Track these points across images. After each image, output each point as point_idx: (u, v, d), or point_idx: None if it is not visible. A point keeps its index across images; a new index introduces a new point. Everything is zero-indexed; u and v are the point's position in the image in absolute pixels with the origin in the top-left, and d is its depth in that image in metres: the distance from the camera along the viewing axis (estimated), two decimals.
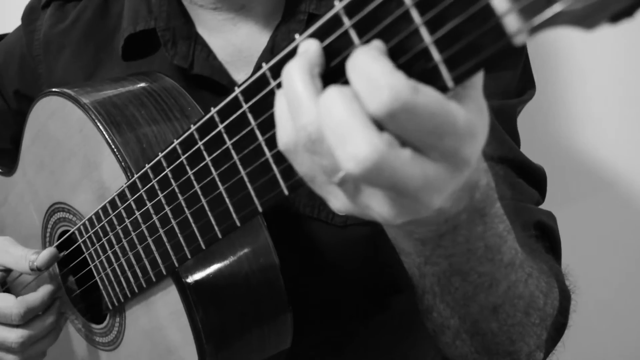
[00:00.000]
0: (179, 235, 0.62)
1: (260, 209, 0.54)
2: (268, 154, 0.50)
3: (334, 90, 0.39)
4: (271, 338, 0.75)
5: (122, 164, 0.69)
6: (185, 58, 0.83)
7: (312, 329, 0.77)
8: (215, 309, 0.69)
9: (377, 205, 0.41)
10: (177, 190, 0.60)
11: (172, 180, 0.61)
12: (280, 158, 0.50)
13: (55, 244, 0.85)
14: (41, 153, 0.81)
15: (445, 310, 0.60)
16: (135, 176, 0.65)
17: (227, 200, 0.56)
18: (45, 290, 0.78)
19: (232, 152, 0.53)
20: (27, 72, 0.96)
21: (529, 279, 0.58)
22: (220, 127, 0.53)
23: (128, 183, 0.66)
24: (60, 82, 0.90)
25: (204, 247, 0.61)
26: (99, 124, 0.70)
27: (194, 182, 0.58)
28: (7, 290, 0.95)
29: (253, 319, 0.72)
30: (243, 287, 0.71)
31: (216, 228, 0.58)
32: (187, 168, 0.58)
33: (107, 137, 0.70)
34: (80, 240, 0.76)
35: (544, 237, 0.74)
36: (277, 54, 0.47)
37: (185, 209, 0.60)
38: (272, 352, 0.76)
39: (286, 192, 0.51)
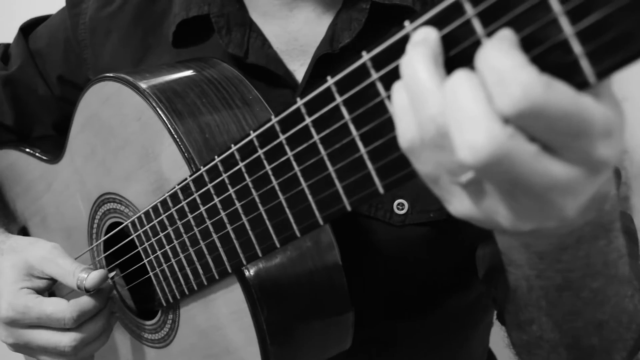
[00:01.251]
0: (250, 232, 0.59)
1: (348, 208, 0.50)
2: (363, 150, 0.47)
3: (462, 74, 0.36)
4: (333, 338, 0.72)
5: (185, 154, 0.65)
6: (240, 46, 0.79)
7: (364, 327, 0.74)
8: (280, 309, 0.66)
9: (503, 209, 0.37)
10: (251, 185, 0.57)
11: (246, 175, 0.57)
12: (376, 155, 0.46)
13: (103, 238, 0.81)
14: (92, 141, 0.77)
15: (546, 324, 0.56)
16: (203, 169, 0.61)
17: (309, 197, 0.52)
18: (98, 293, 0.75)
19: (320, 147, 0.49)
20: (72, 57, 0.92)
21: (635, 293, 0.55)
22: (308, 120, 0.49)
23: (194, 176, 0.62)
24: (108, 68, 0.86)
25: (278, 245, 0.57)
26: (159, 111, 0.66)
27: (272, 178, 0.55)
28: (51, 292, 0.92)
29: (316, 319, 0.69)
30: (307, 285, 0.68)
31: (295, 227, 0.55)
32: (265, 162, 0.55)
33: (168, 125, 0.66)
34: (134, 234, 0.73)
35: (631, 243, 0.70)
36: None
37: (260, 206, 0.57)
38: (332, 353, 0.73)
39: (382, 190, 0.47)
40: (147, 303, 0.79)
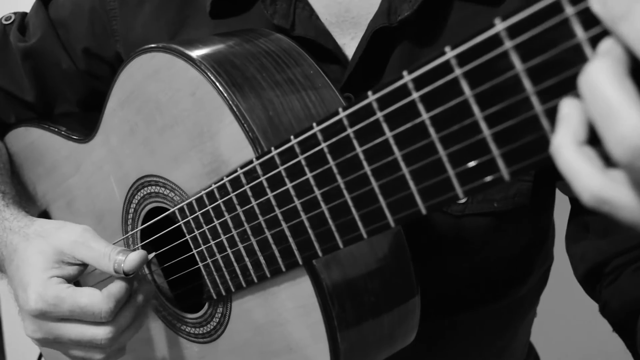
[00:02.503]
0: (331, 222, 0.53)
1: (424, 212, 0.47)
2: (442, 152, 0.43)
3: None
4: (401, 331, 0.67)
5: (249, 134, 0.59)
6: (285, 17, 0.73)
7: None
8: (351, 303, 0.60)
9: None
10: (335, 170, 0.51)
11: (330, 157, 0.51)
12: (457, 159, 0.44)
13: (142, 226, 0.75)
14: (132, 118, 0.71)
15: None
16: (275, 150, 0.55)
17: (411, 184, 0.47)
18: (129, 279, 0.68)
19: (394, 147, 0.45)
20: (99, 28, 0.85)
21: None
22: (379, 114, 0.45)
23: (264, 157, 0.56)
24: (140, 40, 0.79)
25: (365, 236, 0.51)
26: (219, 85, 0.60)
27: (364, 163, 0.49)
28: (77, 283, 0.86)
29: (386, 311, 0.64)
30: (377, 277, 0.63)
31: (389, 216, 0.49)
32: (355, 143, 0.49)
33: (229, 101, 0.60)
34: (182, 221, 0.67)
35: None
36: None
37: (345, 192, 0.51)
38: (399, 347, 0.67)
39: (461, 196, 0.44)
40: (191, 295, 0.73)
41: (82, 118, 0.89)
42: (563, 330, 1.43)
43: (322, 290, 0.59)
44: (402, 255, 0.65)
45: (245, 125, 0.59)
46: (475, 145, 0.42)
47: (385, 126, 0.46)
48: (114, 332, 0.67)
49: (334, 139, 0.50)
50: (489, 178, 0.42)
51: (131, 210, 0.76)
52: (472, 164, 0.42)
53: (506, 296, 0.85)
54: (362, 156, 0.49)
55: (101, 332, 0.67)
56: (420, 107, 0.44)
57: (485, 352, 0.90)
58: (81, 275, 0.71)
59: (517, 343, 0.96)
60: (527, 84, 0.38)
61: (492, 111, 0.40)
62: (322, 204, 0.53)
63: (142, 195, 0.74)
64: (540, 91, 0.38)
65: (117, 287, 0.67)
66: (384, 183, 0.48)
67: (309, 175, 0.53)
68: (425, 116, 0.44)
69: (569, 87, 0.36)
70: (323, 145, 0.51)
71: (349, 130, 0.49)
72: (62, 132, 0.84)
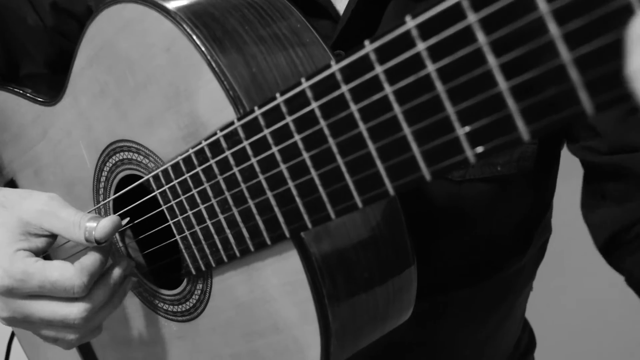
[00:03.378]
0: (322, 190, 0.48)
1: (428, 178, 0.41)
2: (450, 109, 0.37)
3: None
4: (395, 310, 0.62)
5: (230, 92, 0.53)
6: None
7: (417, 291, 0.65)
8: (344, 279, 0.55)
9: None
10: (327, 131, 0.45)
11: (320, 117, 0.45)
12: (469, 117, 0.38)
13: (114, 195, 0.69)
14: (103, 77, 0.64)
15: None
16: (259, 110, 0.49)
17: (413, 146, 0.41)
18: (100, 251, 0.62)
19: (395, 105, 0.39)
20: None
21: None
22: (378, 68, 0.38)
23: (246, 119, 0.50)
24: None
25: (361, 205, 0.46)
26: (196, 39, 0.54)
27: (360, 123, 0.43)
28: (47, 258, 0.80)
29: (380, 287, 0.59)
30: (371, 251, 0.57)
31: (387, 182, 0.44)
32: (350, 101, 0.43)
33: (208, 56, 0.53)
34: (157, 190, 0.61)
35: None
36: None
37: (338, 157, 0.45)
38: (394, 326, 0.63)
39: (472, 160, 0.39)
40: (169, 270, 0.68)
41: (49, 80, 0.82)
42: (557, 305, 1.39)
43: (311, 266, 0.53)
44: (398, 227, 0.59)
45: (225, 83, 0.53)
46: (489, 101, 0.36)
47: (384, 80, 0.41)
48: (88, 310, 0.61)
49: (325, 97, 0.44)
50: (505, 139, 0.37)
51: (102, 179, 0.70)
52: (484, 121, 0.37)
53: (504, 269, 0.81)
54: (357, 115, 0.43)
55: (74, 310, 0.61)
56: (426, 57, 0.38)
57: (481, 328, 0.86)
58: (50, 247, 0.65)
59: (513, 318, 0.92)
60: (552, 27, 0.33)
61: (509, 59, 0.35)
62: (311, 169, 0.48)
63: (114, 162, 0.67)
64: (567, 34, 0.32)
65: (90, 260, 0.61)
66: (382, 145, 0.43)
67: (296, 137, 0.47)
68: (431, 68, 0.38)
69: (602, 29, 0.31)
70: (313, 104, 0.45)
71: (344, 87, 0.43)
72: (28, 95, 0.77)
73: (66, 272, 0.60)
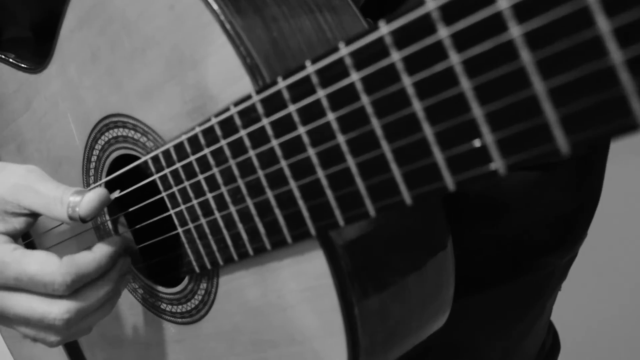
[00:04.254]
0: (360, 182, 0.39)
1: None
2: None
3: None
4: (430, 319, 0.54)
5: (247, 60, 0.44)
6: None
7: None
8: (376, 285, 0.47)
9: None
10: (370, 110, 0.36)
11: (363, 94, 0.36)
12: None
13: (108, 177, 0.60)
14: (94, 41, 0.55)
15: None
16: (283, 82, 0.40)
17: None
18: (104, 250, 0.53)
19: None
20: None
21: None
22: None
23: (267, 92, 0.41)
24: None
25: (409, 202, 0.37)
26: None
27: (412, 99, 0.34)
28: (31, 245, 0.71)
29: (416, 294, 0.50)
30: (407, 250, 0.49)
31: (445, 175, 0.35)
32: (403, 76, 0.34)
33: (221, 17, 0.44)
34: (157, 174, 0.52)
35: None
36: None
37: (384, 142, 0.37)
38: (427, 335, 0.55)
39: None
40: (168, 266, 0.59)
41: (35, 45, 0.72)
42: (582, 305, 1.31)
43: (339, 269, 0.45)
44: (436, 224, 0.51)
45: (241, 48, 0.44)
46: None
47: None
48: (72, 311, 0.52)
49: (370, 67, 0.36)
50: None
51: (93, 159, 0.61)
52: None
53: (541, 267, 0.73)
54: (412, 90, 0.34)
55: (55, 310, 0.52)
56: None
57: (511, 330, 0.78)
58: (30, 228, 0.56)
59: (542, 322, 0.84)
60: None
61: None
62: (348, 156, 0.39)
63: (106, 139, 0.58)
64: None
65: (85, 258, 0.52)
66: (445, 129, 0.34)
67: (330, 116, 0.38)
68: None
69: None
70: (354, 75, 0.36)
71: (395, 55, 0.34)
72: (10, 60, 0.68)
73: (48, 266, 0.51)
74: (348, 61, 0.37)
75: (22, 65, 0.66)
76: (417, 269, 0.50)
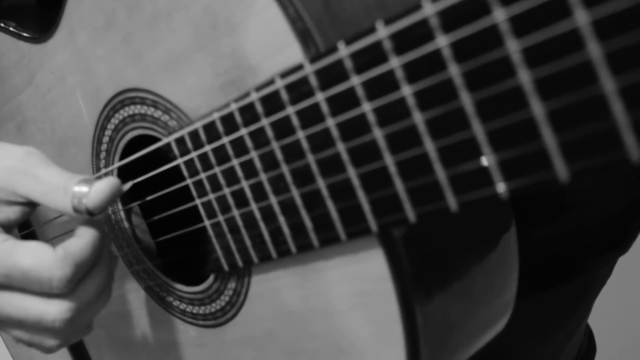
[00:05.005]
0: (439, 171, 0.32)
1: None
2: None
3: None
4: (493, 321, 0.47)
5: (297, 23, 0.37)
6: None
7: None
8: (441, 290, 0.40)
9: None
10: (459, 82, 0.30)
11: (452, 62, 0.30)
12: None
13: (122, 161, 0.53)
14: (109, 5, 0.48)
15: None
16: (346, 49, 0.33)
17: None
18: (92, 232, 0.46)
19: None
20: None
21: None
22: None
23: (324, 61, 0.34)
24: None
25: (503, 192, 0.31)
26: None
27: (518, 68, 0.28)
28: (32, 236, 0.64)
29: (482, 299, 0.44)
30: (474, 250, 0.43)
31: (558, 167, 0.28)
32: (507, 40, 0.27)
33: None
34: (181, 159, 0.45)
35: None
36: None
37: (475, 121, 0.30)
38: (486, 341, 0.48)
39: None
40: (190, 262, 0.52)
41: (38, 15, 0.65)
42: (618, 305, 1.25)
43: (401, 272, 0.38)
44: (505, 220, 0.44)
45: (290, 10, 0.37)
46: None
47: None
48: (72, 310, 0.45)
49: (460, 30, 0.29)
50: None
51: (105, 140, 0.54)
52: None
53: (592, 268, 0.66)
54: (518, 57, 0.27)
55: (53, 309, 0.45)
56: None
57: (555, 335, 0.72)
58: (26, 218, 0.49)
59: (584, 324, 0.78)
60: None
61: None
62: (424, 137, 0.32)
63: (121, 117, 0.52)
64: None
65: (78, 244, 0.45)
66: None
67: (406, 90, 0.32)
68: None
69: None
70: (441, 40, 0.30)
71: (498, 13, 0.27)
72: (10, 29, 0.61)
73: (43, 259, 0.44)
74: (433, 22, 0.30)
75: (25, 34, 0.58)
76: (482, 268, 0.44)
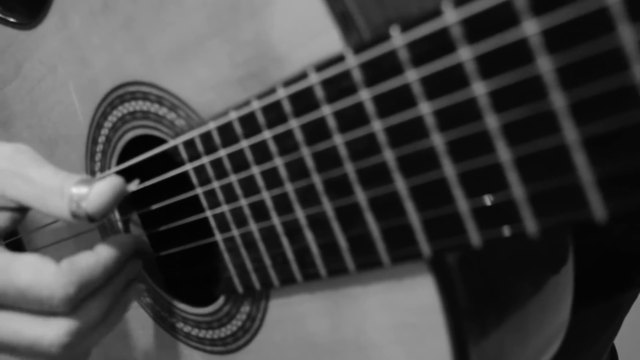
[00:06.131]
0: (513, 183, 0.26)
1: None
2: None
3: None
4: (545, 351, 0.41)
5: (336, 5, 0.31)
6: None
7: None
8: (496, 321, 0.34)
9: None
10: (550, 79, 0.24)
11: (543, 54, 0.24)
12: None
13: (120, 166, 0.47)
14: None
15: None
16: (401, 36, 0.27)
17: None
18: (110, 252, 0.40)
19: None
20: None
21: None
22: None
23: (372, 51, 0.28)
24: None
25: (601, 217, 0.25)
26: None
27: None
28: (18, 244, 0.57)
29: (535, 329, 0.38)
30: (529, 275, 0.37)
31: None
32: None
33: None
34: (190, 165, 0.39)
35: None
36: None
37: (570, 124, 0.24)
38: None
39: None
40: (198, 281, 0.46)
41: None
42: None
43: (453, 303, 0.32)
44: (563, 253, 0.39)
45: None
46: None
47: None
48: (72, 333, 0.39)
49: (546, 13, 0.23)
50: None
51: (101, 139, 0.48)
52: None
53: (630, 285, 0.61)
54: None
55: (50, 333, 0.39)
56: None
57: (588, 352, 0.66)
58: (17, 225, 0.43)
59: (611, 343, 0.73)
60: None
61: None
62: (498, 143, 0.26)
63: (119, 115, 0.45)
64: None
65: (88, 262, 0.39)
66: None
67: (479, 90, 0.26)
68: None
69: None
70: (530, 26, 0.23)
71: None
72: None
73: (44, 275, 0.38)
74: (519, 3, 0.24)
75: (11, 19, 0.52)
76: (537, 294, 0.38)
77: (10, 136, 0.56)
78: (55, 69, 0.49)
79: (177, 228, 0.45)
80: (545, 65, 0.23)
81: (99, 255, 0.40)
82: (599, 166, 0.23)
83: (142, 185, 0.42)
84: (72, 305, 0.39)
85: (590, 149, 0.23)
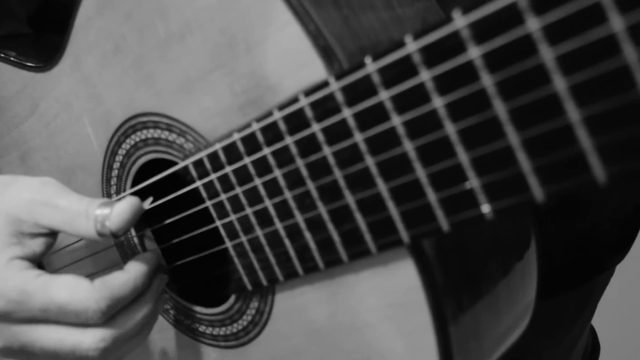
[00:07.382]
0: (471, 177, 0.32)
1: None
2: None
3: None
4: (516, 323, 0.48)
5: (318, 40, 0.37)
6: None
7: None
8: (470, 298, 0.40)
9: None
10: (494, 90, 0.30)
11: (484, 72, 0.30)
12: None
13: (135, 187, 0.53)
14: (118, 29, 0.48)
15: None
16: (373, 64, 0.33)
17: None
18: (139, 269, 0.47)
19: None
20: None
21: None
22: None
23: (352, 76, 0.35)
24: None
25: (540, 199, 0.31)
26: None
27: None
28: (38, 267, 0.63)
29: (505, 303, 0.44)
30: (498, 255, 0.43)
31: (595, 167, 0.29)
32: (542, 46, 0.28)
33: None
34: (200, 181, 0.45)
35: None
36: None
37: (514, 134, 0.30)
38: (509, 345, 0.49)
39: None
40: (210, 285, 0.52)
41: (35, 41, 0.65)
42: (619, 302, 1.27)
43: (432, 282, 0.38)
44: (524, 225, 0.45)
45: (311, 27, 0.37)
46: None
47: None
48: (107, 339, 0.45)
49: (492, 41, 0.29)
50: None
51: (116, 165, 0.54)
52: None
53: (607, 268, 0.67)
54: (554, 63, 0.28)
55: (87, 339, 0.45)
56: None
57: (566, 336, 0.72)
58: (50, 250, 0.49)
59: (589, 324, 0.79)
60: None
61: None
62: (457, 147, 0.32)
63: (132, 142, 0.51)
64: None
65: (119, 280, 0.46)
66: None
67: (438, 102, 0.32)
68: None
69: None
70: (474, 51, 0.30)
71: (532, 22, 0.28)
72: (11, 59, 0.60)
73: (79, 292, 0.44)
74: (465, 33, 0.30)
75: (28, 63, 0.58)
76: (506, 273, 0.44)
77: (28, 168, 0.62)
78: (70, 105, 0.55)
79: (187, 239, 0.51)
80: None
81: (129, 273, 0.46)
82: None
83: (156, 203, 0.48)
84: (105, 317, 0.45)
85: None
